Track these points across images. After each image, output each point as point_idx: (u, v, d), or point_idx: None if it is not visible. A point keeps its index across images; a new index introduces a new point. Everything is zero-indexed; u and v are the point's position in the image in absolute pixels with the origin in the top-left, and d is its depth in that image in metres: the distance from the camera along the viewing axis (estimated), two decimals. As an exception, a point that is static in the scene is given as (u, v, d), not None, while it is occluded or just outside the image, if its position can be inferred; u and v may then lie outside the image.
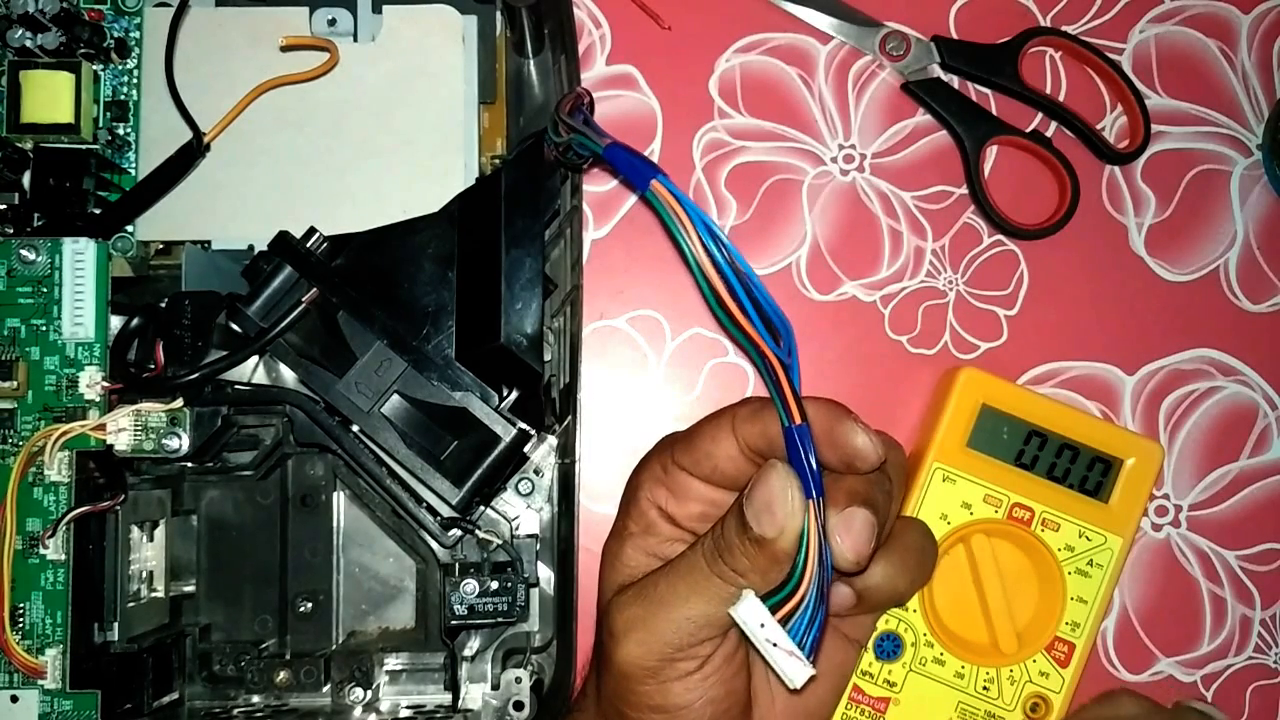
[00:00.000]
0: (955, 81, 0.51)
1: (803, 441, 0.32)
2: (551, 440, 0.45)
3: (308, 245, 0.41)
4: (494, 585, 0.41)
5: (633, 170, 0.32)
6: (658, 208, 0.31)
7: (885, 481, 0.35)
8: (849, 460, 0.34)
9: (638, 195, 0.32)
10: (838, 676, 0.40)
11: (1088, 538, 0.46)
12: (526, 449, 0.43)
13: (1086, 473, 0.46)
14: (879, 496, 0.34)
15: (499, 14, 0.45)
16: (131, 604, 0.41)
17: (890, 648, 0.45)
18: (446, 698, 0.44)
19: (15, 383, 0.40)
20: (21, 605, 0.39)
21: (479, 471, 0.40)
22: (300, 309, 0.40)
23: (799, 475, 0.32)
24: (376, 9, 0.45)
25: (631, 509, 0.39)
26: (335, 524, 0.45)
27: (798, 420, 0.32)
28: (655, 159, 0.50)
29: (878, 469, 0.35)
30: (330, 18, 0.44)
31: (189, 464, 0.43)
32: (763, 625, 0.32)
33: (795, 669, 0.32)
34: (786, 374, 0.32)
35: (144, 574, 0.42)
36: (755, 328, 0.31)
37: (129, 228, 0.43)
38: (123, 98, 0.44)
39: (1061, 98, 0.51)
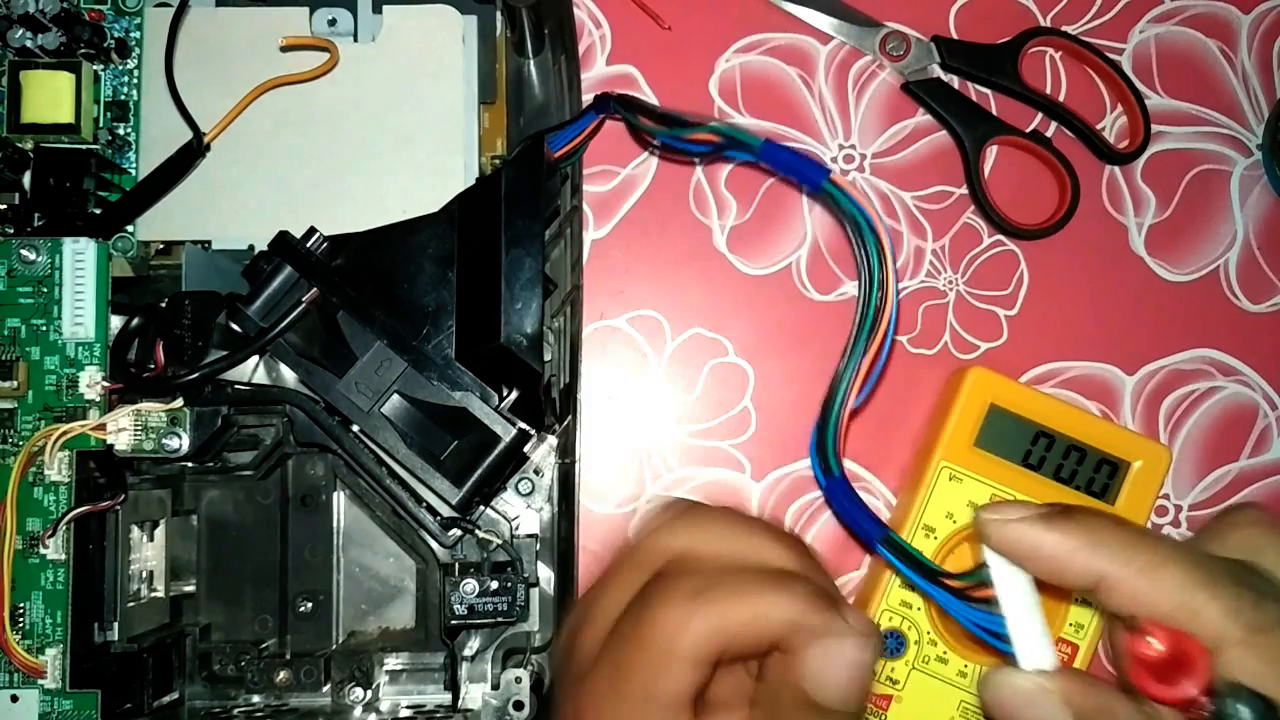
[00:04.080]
0: (955, 81, 0.51)
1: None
2: (551, 440, 0.45)
3: (308, 245, 0.41)
4: (494, 585, 0.41)
5: (804, 167, 0.37)
6: (840, 197, 0.35)
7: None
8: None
9: (809, 191, 0.36)
10: None
11: (1088, 538, 0.46)
12: (526, 449, 0.43)
13: (1093, 474, 0.46)
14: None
15: (499, 14, 0.45)
16: (131, 604, 0.41)
17: (894, 645, 0.45)
18: (446, 698, 0.44)
19: (15, 383, 0.40)
20: (21, 605, 0.39)
21: (479, 471, 0.40)
22: (300, 309, 0.40)
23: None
24: (376, 9, 0.45)
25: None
26: (335, 524, 0.45)
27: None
28: (655, 159, 0.50)
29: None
30: (330, 18, 0.44)
31: (189, 464, 0.43)
32: None
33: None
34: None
35: (144, 574, 0.42)
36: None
37: (129, 228, 0.43)
38: (123, 98, 0.44)
39: (1061, 98, 0.51)
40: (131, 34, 0.44)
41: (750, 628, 0.28)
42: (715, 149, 0.39)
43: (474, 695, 0.44)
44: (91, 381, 0.40)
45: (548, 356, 0.44)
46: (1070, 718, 0.27)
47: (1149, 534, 0.28)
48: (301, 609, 0.45)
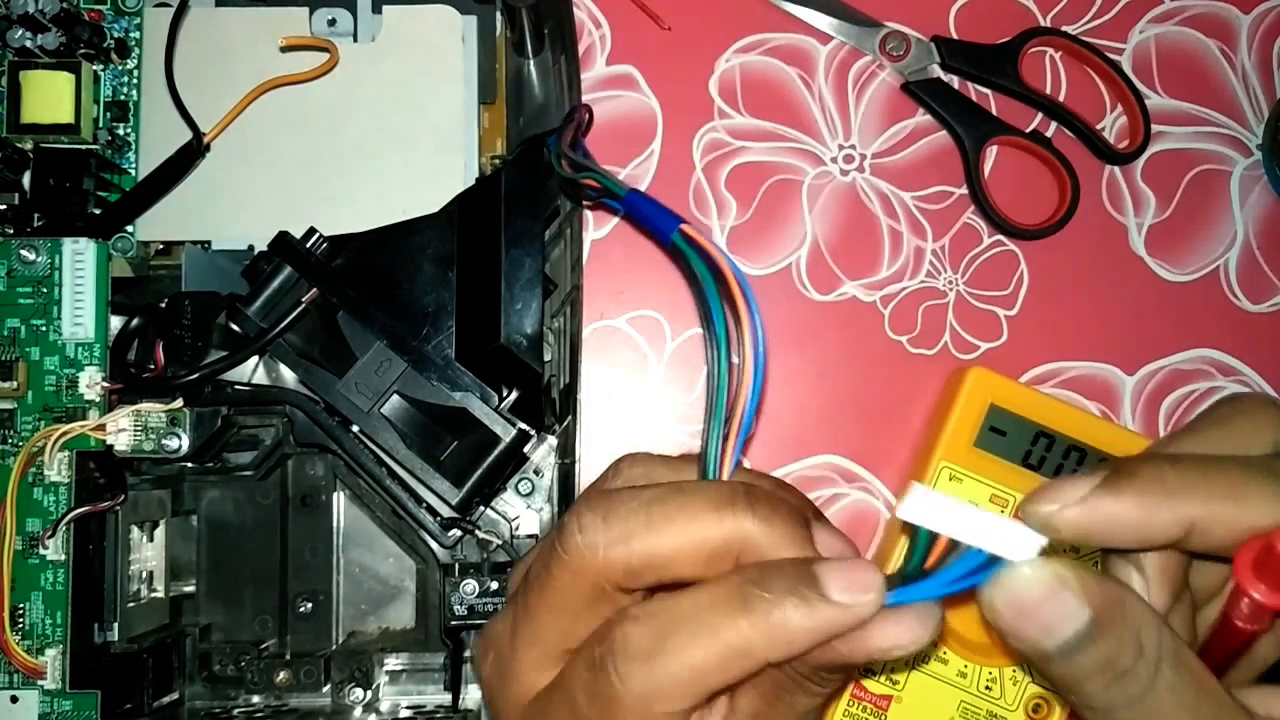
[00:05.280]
0: (955, 81, 0.51)
1: None
2: (551, 440, 0.45)
3: (308, 245, 0.41)
4: (494, 585, 0.41)
5: (658, 216, 0.32)
6: (688, 251, 0.30)
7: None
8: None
9: (662, 240, 0.32)
10: None
11: (1089, 538, 0.46)
12: (526, 449, 0.43)
13: (1094, 474, 0.46)
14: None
15: (499, 14, 0.45)
16: (131, 604, 0.41)
17: (891, 648, 0.45)
18: (446, 698, 0.44)
19: (15, 383, 0.40)
20: (21, 605, 0.39)
21: (479, 471, 0.40)
22: (300, 309, 0.40)
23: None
24: (376, 9, 0.45)
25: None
26: (335, 524, 0.45)
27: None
28: (655, 159, 0.50)
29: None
30: (330, 18, 0.44)
31: (189, 464, 0.43)
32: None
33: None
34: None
35: (144, 574, 0.42)
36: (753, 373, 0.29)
37: (129, 228, 0.43)
38: (123, 98, 0.44)
39: (1061, 98, 0.51)
40: (131, 34, 0.44)
41: (732, 670, 0.26)
42: (599, 194, 0.37)
43: (474, 695, 0.44)
44: (91, 382, 0.40)
45: (548, 356, 0.44)
46: (1090, 610, 0.25)
47: (1200, 459, 0.27)
48: (301, 609, 0.45)
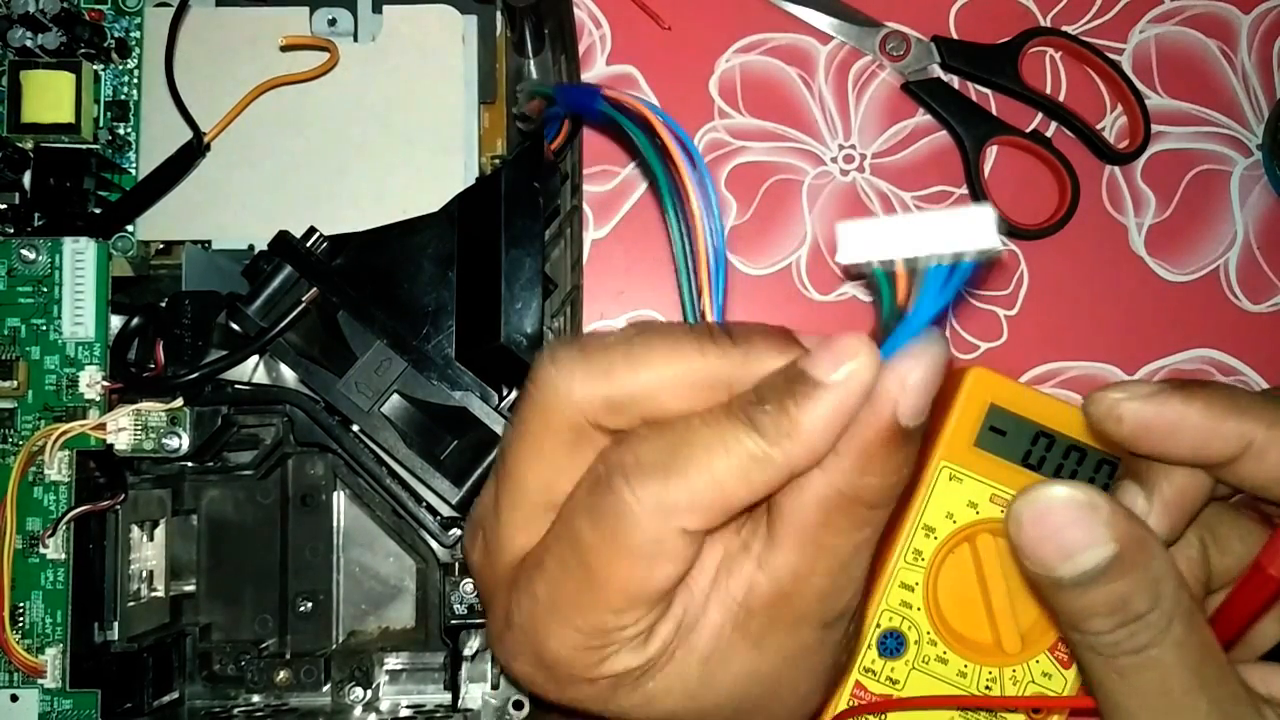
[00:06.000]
0: (955, 81, 0.51)
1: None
2: (551, 440, 0.45)
3: (308, 245, 0.41)
4: (494, 585, 0.41)
5: (582, 95, 0.31)
6: (615, 115, 0.28)
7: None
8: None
9: (594, 118, 0.31)
10: None
11: (1088, 537, 0.46)
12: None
13: (1094, 475, 0.46)
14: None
15: (499, 14, 0.45)
16: (131, 603, 0.41)
17: (893, 645, 0.45)
18: (446, 697, 0.44)
19: (15, 382, 0.40)
20: (21, 605, 0.39)
21: (479, 471, 0.40)
22: (300, 309, 0.40)
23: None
24: (376, 9, 0.45)
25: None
26: (335, 524, 0.45)
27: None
28: (655, 159, 0.50)
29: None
30: (330, 18, 0.44)
31: (189, 464, 0.43)
32: None
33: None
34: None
35: (144, 573, 0.42)
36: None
37: (129, 227, 0.43)
38: (123, 98, 0.44)
39: (1061, 98, 0.51)
40: (131, 34, 0.44)
41: (754, 481, 0.24)
42: (549, 112, 0.37)
43: (474, 695, 0.44)
44: (91, 381, 0.40)
45: (548, 356, 0.44)
46: (1115, 545, 0.24)
47: (1268, 391, 0.27)
48: (301, 609, 0.45)
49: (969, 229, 0.22)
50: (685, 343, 0.25)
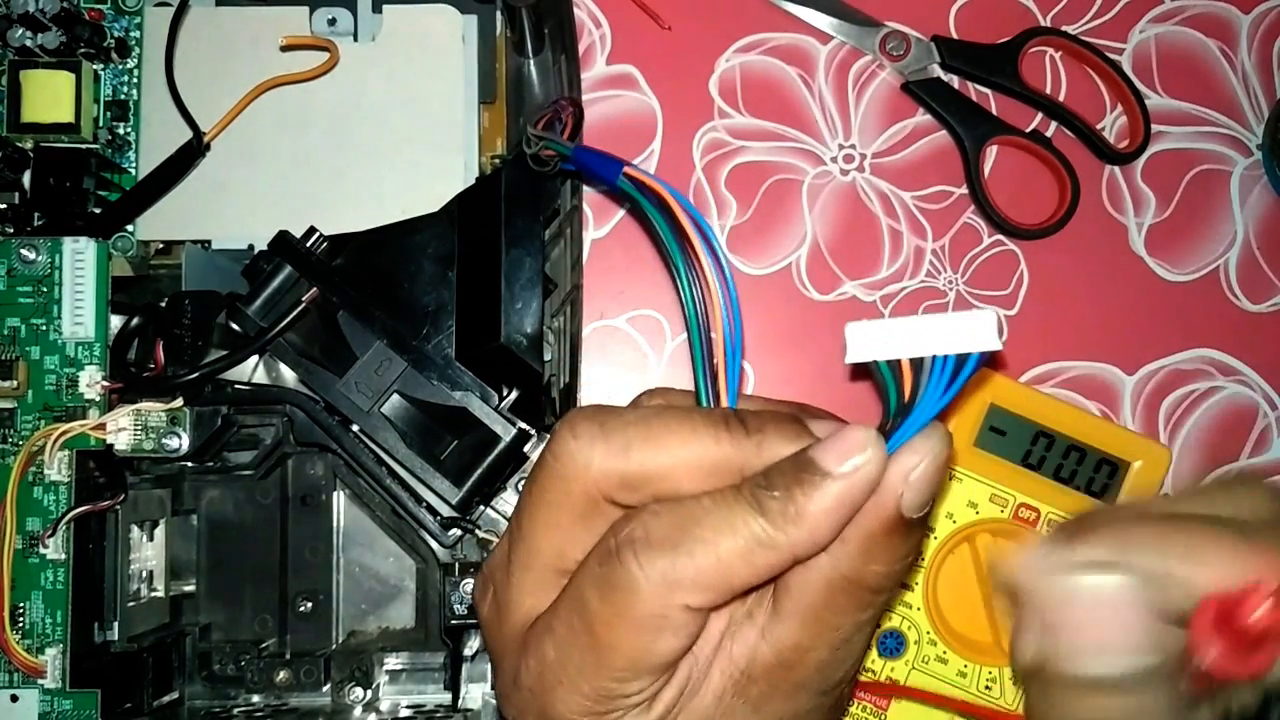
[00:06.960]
0: (955, 81, 0.51)
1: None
2: (551, 440, 0.45)
3: (308, 245, 0.41)
4: (494, 585, 0.41)
5: (602, 165, 0.32)
6: (634, 193, 0.29)
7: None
8: None
9: (611, 187, 0.31)
10: None
11: (1088, 537, 0.46)
12: (526, 448, 0.43)
13: (1093, 474, 0.46)
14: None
15: (499, 14, 0.45)
16: (131, 603, 0.41)
17: (893, 645, 0.45)
18: (446, 697, 0.44)
19: (15, 382, 0.40)
20: (21, 605, 0.39)
21: (479, 471, 0.40)
22: (300, 309, 0.40)
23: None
24: (376, 9, 0.45)
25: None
26: (335, 524, 0.45)
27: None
28: (655, 159, 0.50)
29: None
30: (330, 18, 0.44)
31: (189, 463, 0.43)
32: None
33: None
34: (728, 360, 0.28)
35: (144, 573, 0.42)
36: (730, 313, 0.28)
37: (129, 227, 0.43)
38: (123, 97, 0.44)
39: (1061, 98, 0.51)
40: (131, 34, 0.44)
41: (758, 563, 0.25)
42: (557, 160, 0.37)
43: (474, 695, 0.44)
44: (91, 381, 0.40)
45: (548, 356, 0.44)
46: (1165, 653, 0.24)
47: (1160, 520, 0.26)
48: (301, 609, 0.45)
49: (972, 331, 0.23)
50: (702, 429, 0.26)
